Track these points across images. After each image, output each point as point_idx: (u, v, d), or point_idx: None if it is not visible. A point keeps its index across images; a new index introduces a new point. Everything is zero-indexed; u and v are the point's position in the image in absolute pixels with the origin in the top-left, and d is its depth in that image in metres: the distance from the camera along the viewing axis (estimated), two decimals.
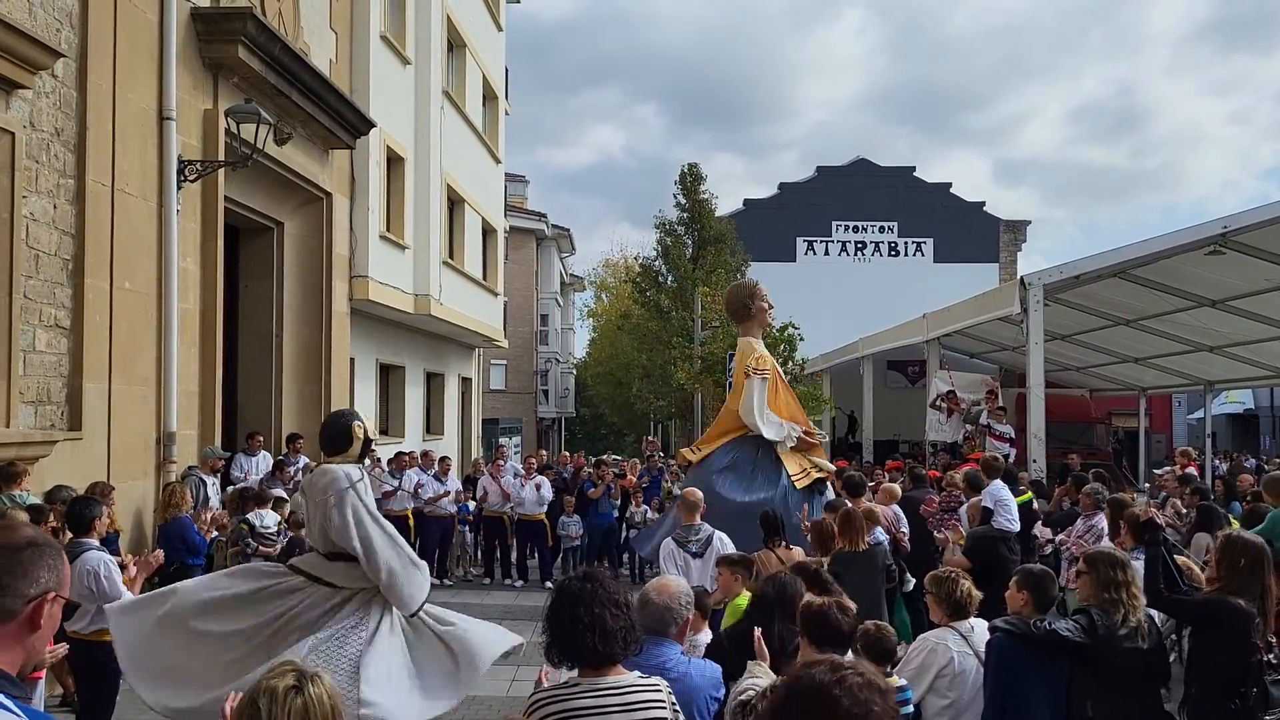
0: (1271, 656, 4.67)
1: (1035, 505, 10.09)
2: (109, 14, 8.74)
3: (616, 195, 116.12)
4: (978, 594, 4.95)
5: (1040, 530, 9.86)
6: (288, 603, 5.17)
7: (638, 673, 3.21)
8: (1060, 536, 9.22)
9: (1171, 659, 5.19)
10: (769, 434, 10.06)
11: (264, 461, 11.53)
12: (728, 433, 10.46)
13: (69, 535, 6.39)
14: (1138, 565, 5.26)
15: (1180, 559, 5.73)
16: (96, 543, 6.33)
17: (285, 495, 10.50)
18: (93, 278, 8.54)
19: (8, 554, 2.02)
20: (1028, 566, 5.40)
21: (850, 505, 8.00)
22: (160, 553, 6.69)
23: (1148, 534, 5.52)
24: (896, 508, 9.70)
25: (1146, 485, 15.47)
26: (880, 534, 8.42)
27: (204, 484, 9.73)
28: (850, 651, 3.95)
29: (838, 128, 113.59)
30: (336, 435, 5.74)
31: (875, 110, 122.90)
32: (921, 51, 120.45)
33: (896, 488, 10.50)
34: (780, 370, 10.94)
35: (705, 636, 5.31)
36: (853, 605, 4.01)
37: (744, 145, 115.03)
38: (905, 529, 9.50)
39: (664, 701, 3.14)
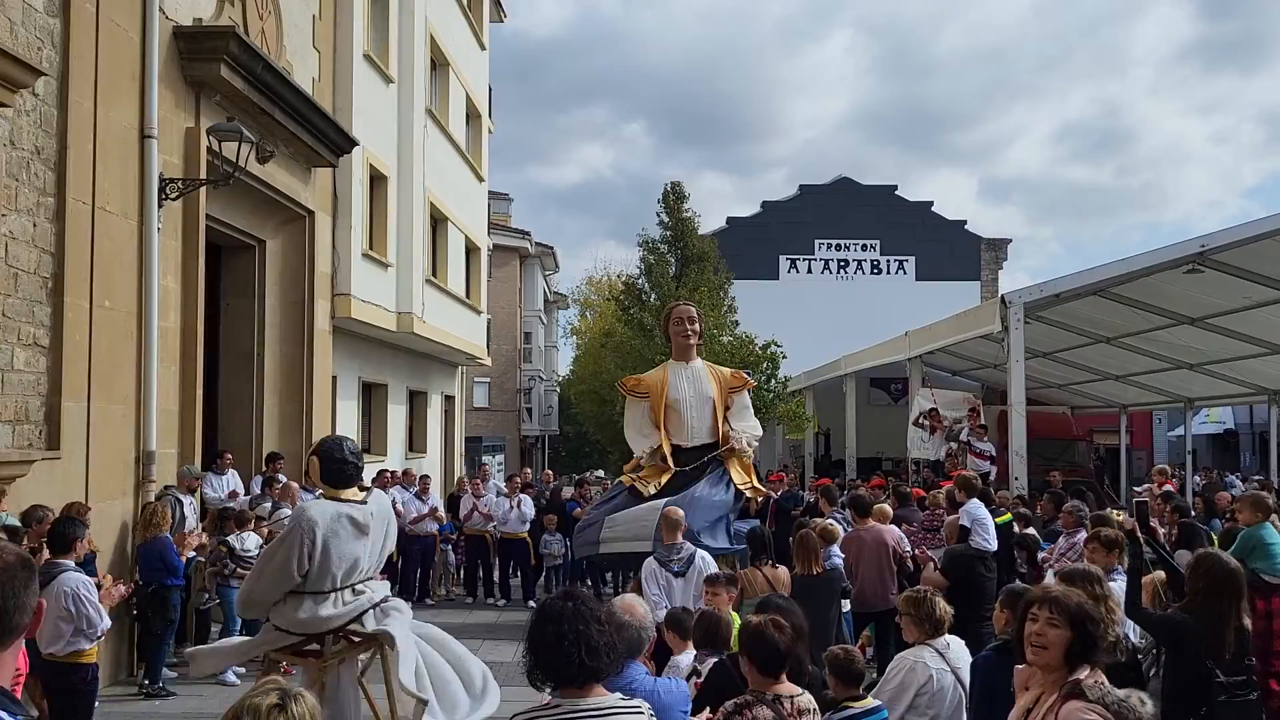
0: (1238, 678, 4.72)
1: (1016, 528, 10.08)
2: (90, 32, 8.72)
3: (604, 213, 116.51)
4: (949, 609, 4.98)
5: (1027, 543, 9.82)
6: None
7: (619, 694, 3.19)
8: (1042, 555, 9.24)
9: (1151, 674, 5.24)
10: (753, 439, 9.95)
11: (233, 480, 11.44)
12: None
13: (46, 555, 6.34)
14: (1117, 586, 5.31)
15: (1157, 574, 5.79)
16: (73, 564, 6.28)
17: (264, 515, 10.45)
18: (72, 296, 8.48)
19: (13, 573, 2.06)
20: (1011, 586, 5.43)
21: (808, 529, 8.00)
22: (121, 588, 6.63)
23: (1130, 546, 5.57)
24: (895, 528, 9.61)
25: (1130, 502, 15.61)
26: (836, 556, 8.41)
27: (181, 503, 9.64)
28: (788, 669, 3.99)
29: (825, 147, 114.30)
30: None
31: (863, 129, 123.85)
32: (909, 71, 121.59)
33: (888, 508, 10.47)
34: None
35: (687, 658, 5.29)
36: (788, 624, 4.05)
37: (732, 164, 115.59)
38: (909, 548, 9.43)
39: None
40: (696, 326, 10.13)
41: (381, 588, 5.67)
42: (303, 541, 5.25)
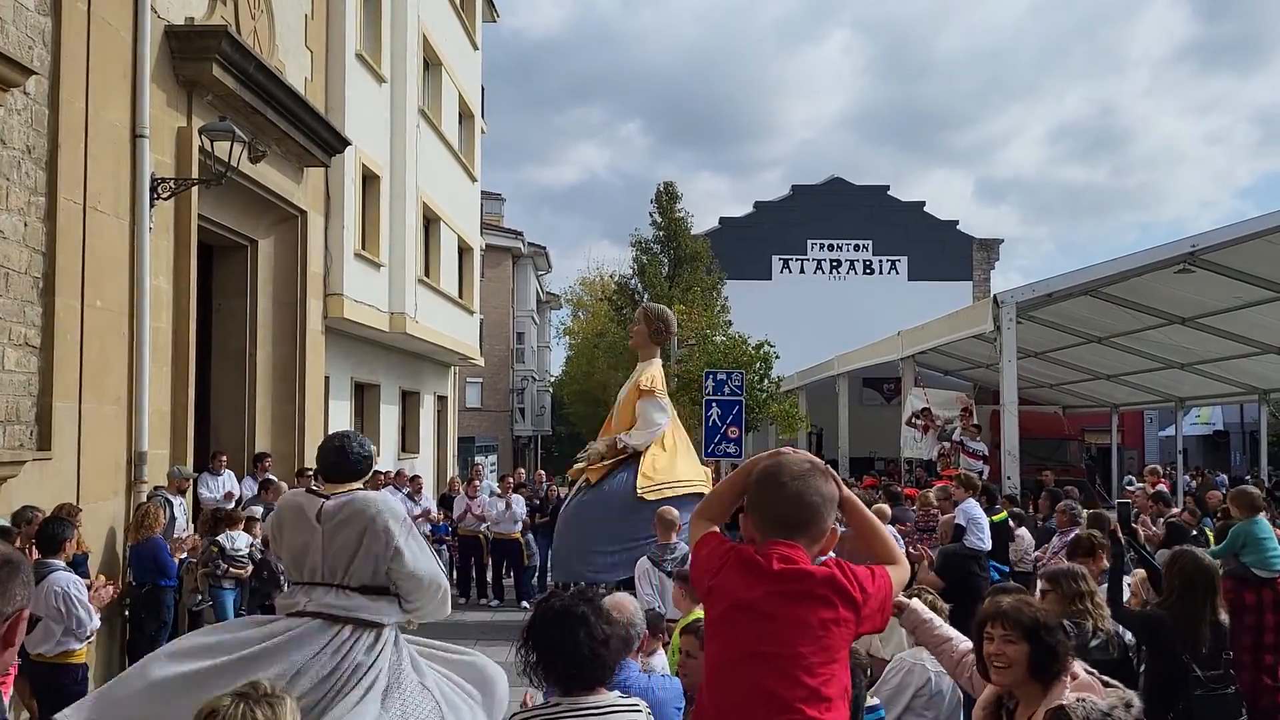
0: (1214, 672, 4.77)
1: (1011, 524, 10.12)
2: (82, 32, 8.68)
3: (599, 213, 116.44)
4: (944, 606, 4.98)
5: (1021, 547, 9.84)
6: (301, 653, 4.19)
7: (618, 692, 3.18)
8: (1036, 554, 9.26)
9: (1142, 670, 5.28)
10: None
11: (229, 480, 11.42)
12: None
13: (35, 556, 6.31)
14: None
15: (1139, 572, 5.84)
16: (63, 564, 6.25)
17: (256, 516, 10.42)
18: (64, 296, 8.44)
19: None
20: (1001, 585, 5.45)
21: None
22: (111, 589, 6.60)
23: (1112, 546, 5.62)
24: (890, 528, 9.58)
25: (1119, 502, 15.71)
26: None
27: (170, 504, 9.61)
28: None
29: (822, 147, 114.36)
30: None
31: (859, 130, 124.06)
32: (906, 72, 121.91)
33: (886, 508, 10.46)
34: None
35: (658, 659, 5.26)
36: None
37: (728, 164, 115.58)
38: (903, 549, 9.39)
39: None
40: (639, 326, 10.63)
41: (343, 601, 4.34)
42: (269, 526, 5.12)
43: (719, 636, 2.60)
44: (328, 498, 4.46)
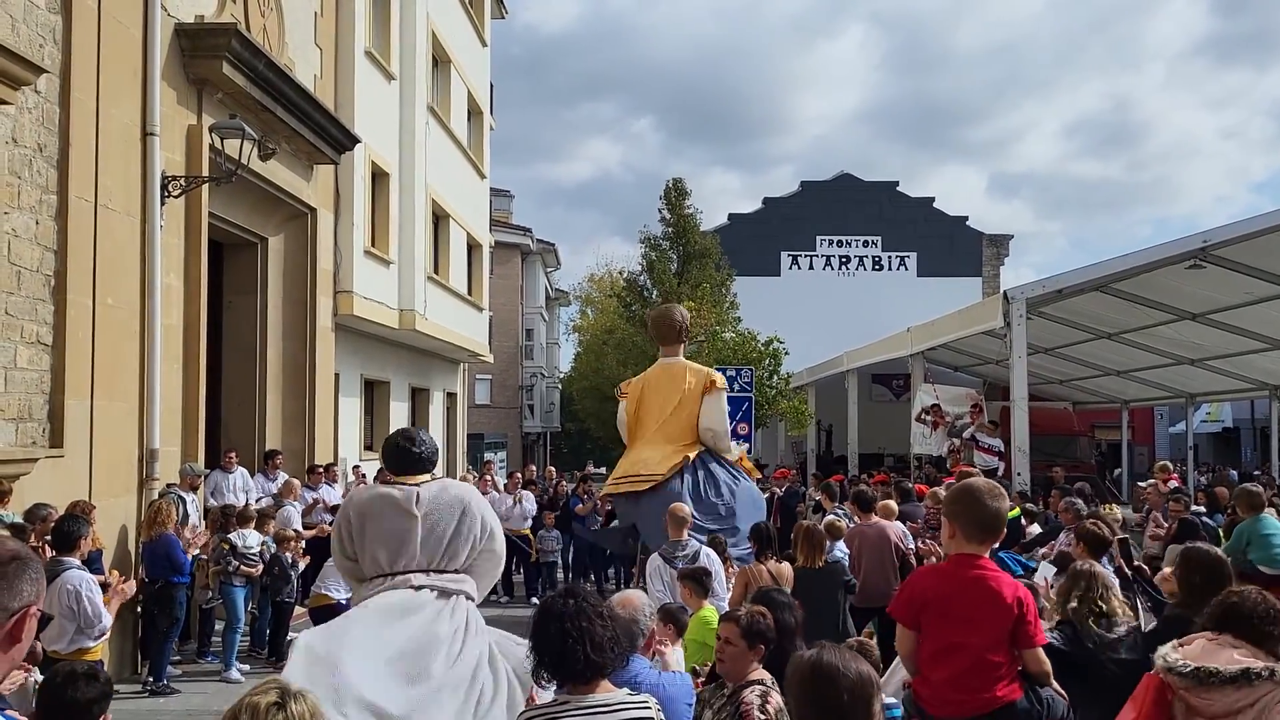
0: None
1: (1023, 521, 10.09)
2: (92, 30, 8.72)
3: (612, 209, 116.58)
4: None
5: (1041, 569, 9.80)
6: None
7: (626, 689, 3.19)
8: (1042, 551, 9.23)
9: None
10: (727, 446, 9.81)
11: (242, 478, 11.46)
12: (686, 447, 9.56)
13: (50, 553, 6.35)
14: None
15: (1166, 570, 5.82)
16: (78, 561, 6.28)
17: (269, 514, 10.46)
18: (75, 294, 8.48)
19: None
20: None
21: (810, 522, 8.03)
22: (132, 584, 6.63)
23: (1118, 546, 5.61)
24: (899, 524, 9.55)
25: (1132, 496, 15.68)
26: (839, 551, 8.40)
27: (183, 501, 9.65)
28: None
29: (834, 143, 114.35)
30: None
31: (873, 125, 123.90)
32: (921, 66, 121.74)
33: (893, 504, 10.41)
34: None
35: (677, 655, 5.27)
36: (767, 612, 4.10)
37: (739, 160, 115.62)
38: (912, 545, 9.36)
39: (653, 718, 3.13)
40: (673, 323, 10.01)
41: (457, 581, 4.92)
42: (339, 525, 5.24)
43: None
44: (416, 487, 4.76)
